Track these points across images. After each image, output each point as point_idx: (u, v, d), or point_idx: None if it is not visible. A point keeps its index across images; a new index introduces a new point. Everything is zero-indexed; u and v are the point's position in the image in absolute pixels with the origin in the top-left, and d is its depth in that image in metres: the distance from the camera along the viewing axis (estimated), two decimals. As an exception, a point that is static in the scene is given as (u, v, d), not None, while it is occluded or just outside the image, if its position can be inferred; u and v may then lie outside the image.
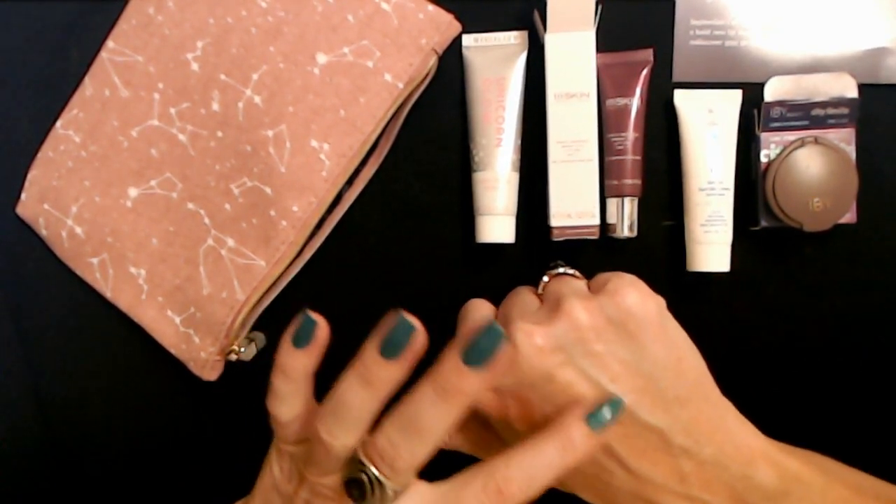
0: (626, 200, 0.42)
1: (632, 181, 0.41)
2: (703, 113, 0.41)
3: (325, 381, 0.41)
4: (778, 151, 0.41)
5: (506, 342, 0.29)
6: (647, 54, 0.42)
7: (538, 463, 0.31)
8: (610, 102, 0.42)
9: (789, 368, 0.44)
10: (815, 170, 0.40)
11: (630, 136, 0.41)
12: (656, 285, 0.44)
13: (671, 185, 0.43)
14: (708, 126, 0.41)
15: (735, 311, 0.44)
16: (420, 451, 0.30)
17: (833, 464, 0.38)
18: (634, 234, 0.42)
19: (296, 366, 0.33)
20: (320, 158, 0.40)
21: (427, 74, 0.41)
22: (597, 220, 0.40)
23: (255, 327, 0.43)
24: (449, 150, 0.44)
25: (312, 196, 0.41)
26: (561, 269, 0.38)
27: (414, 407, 0.30)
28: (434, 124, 0.44)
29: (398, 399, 0.31)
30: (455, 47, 0.42)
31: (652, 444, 0.34)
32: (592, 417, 0.32)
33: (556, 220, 0.41)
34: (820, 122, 0.41)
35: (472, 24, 0.42)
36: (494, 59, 0.42)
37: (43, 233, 0.45)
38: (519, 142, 0.42)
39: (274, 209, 0.41)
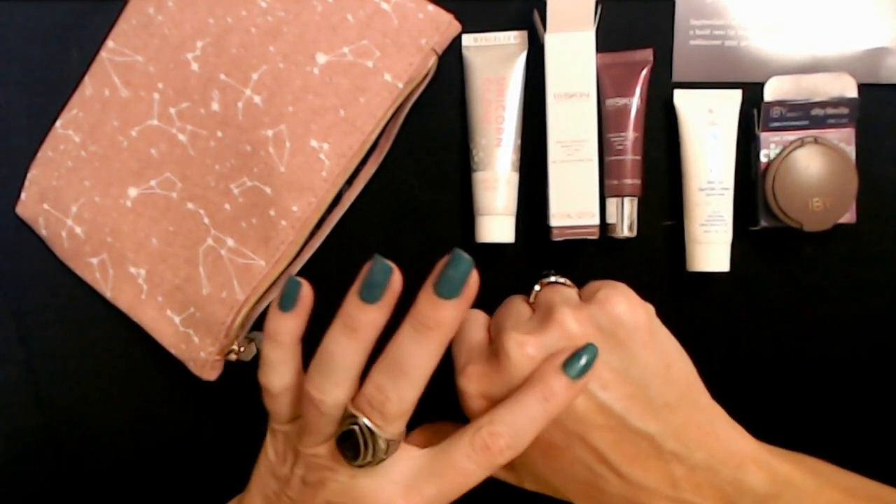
0: (626, 200, 0.42)
1: (631, 181, 0.41)
2: (702, 113, 0.41)
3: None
4: (778, 151, 0.41)
5: (473, 268, 0.31)
6: (647, 54, 0.42)
7: (522, 416, 0.32)
8: (610, 102, 0.42)
9: (789, 368, 0.44)
10: (814, 170, 0.40)
11: (630, 135, 0.41)
12: (656, 285, 0.44)
13: (671, 185, 0.43)
14: (708, 126, 0.41)
15: (735, 311, 0.44)
16: (408, 392, 0.31)
17: (825, 466, 0.38)
18: (634, 234, 0.42)
19: (283, 330, 0.34)
20: (320, 158, 0.40)
21: (427, 74, 0.41)
22: (596, 220, 0.40)
23: (254, 327, 0.43)
24: (449, 150, 0.44)
25: (312, 196, 0.41)
26: (552, 278, 0.39)
27: (396, 348, 0.32)
28: (434, 124, 0.44)
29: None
30: (455, 47, 0.42)
31: (643, 449, 0.34)
32: (569, 366, 0.33)
33: (555, 219, 0.41)
34: (820, 122, 0.41)
35: (472, 23, 0.42)
36: (494, 58, 0.42)
37: (43, 233, 0.45)
38: (519, 142, 0.42)
39: (274, 209, 0.41)
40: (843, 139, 0.41)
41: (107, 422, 0.47)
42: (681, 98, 0.42)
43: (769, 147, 0.41)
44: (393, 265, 0.31)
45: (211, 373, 0.43)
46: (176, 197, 0.43)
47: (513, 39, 0.42)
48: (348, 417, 0.32)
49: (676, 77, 0.43)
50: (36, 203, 0.45)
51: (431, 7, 0.40)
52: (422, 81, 0.41)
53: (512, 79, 0.42)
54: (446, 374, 0.36)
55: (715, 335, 0.44)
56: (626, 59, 0.42)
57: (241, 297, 0.41)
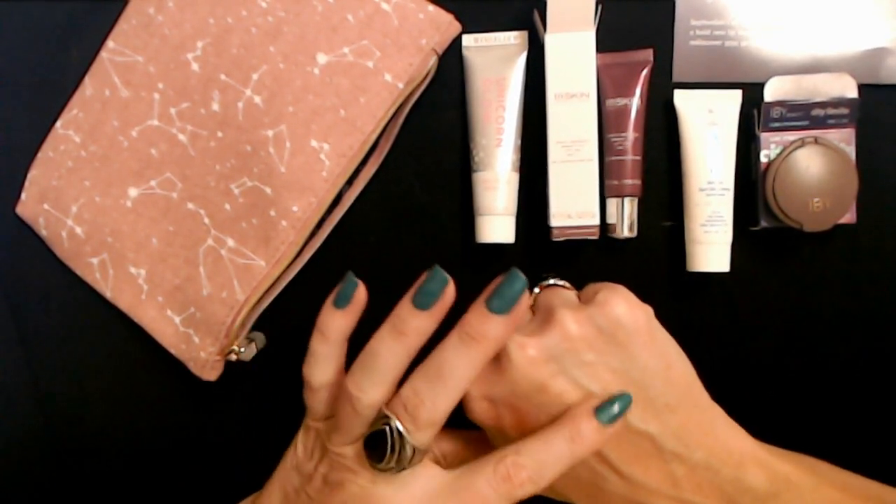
0: (626, 200, 0.42)
1: (632, 181, 0.41)
2: (703, 113, 0.41)
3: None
4: (778, 151, 0.41)
5: (526, 289, 0.32)
6: (647, 54, 0.42)
7: (548, 453, 0.33)
8: (610, 102, 0.42)
9: (789, 368, 0.44)
10: (815, 170, 0.40)
11: (630, 136, 0.41)
12: (656, 285, 0.44)
13: (671, 186, 0.43)
14: (708, 126, 0.41)
15: (735, 311, 0.44)
16: (442, 400, 0.32)
17: (823, 465, 0.38)
18: (634, 234, 0.42)
19: (334, 326, 0.36)
20: (320, 158, 0.40)
21: (427, 74, 0.41)
22: (597, 221, 0.40)
23: (254, 327, 0.43)
24: (449, 150, 0.44)
25: (312, 196, 0.41)
26: (551, 281, 0.39)
27: (439, 355, 0.32)
28: (434, 124, 0.44)
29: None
30: (455, 47, 0.42)
31: (644, 449, 0.34)
32: (601, 411, 0.33)
33: (556, 220, 0.41)
34: (820, 123, 0.41)
35: (472, 24, 0.42)
36: (494, 59, 0.42)
37: (43, 233, 0.45)
38: (519, 142, 0.42)
39: (274, 209, 0.41)
40: (844, 139, 0.41)
41: (107, 422, 0.47)
42: (681, 98, 0.42)
43: (769, 147, 0.41)
44: (449, 278, 0.32)
45: (211, 373, 0.43)
46: (176, 197, 0.43)
47: (513, 40, 0.42)
48: (381, 419, 0.32)
49: (677, 77, 0.43)
50: (36, 203, 0.45)
51: (432, 7, 0.40)
52: (422, 82, 0.41)
53: (512, 79, 0.42)
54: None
55: (715, 335, 0.44)
56: (626, 60, 0.42)
57: (241, 297, 0.41)
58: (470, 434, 0.39)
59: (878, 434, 0.44)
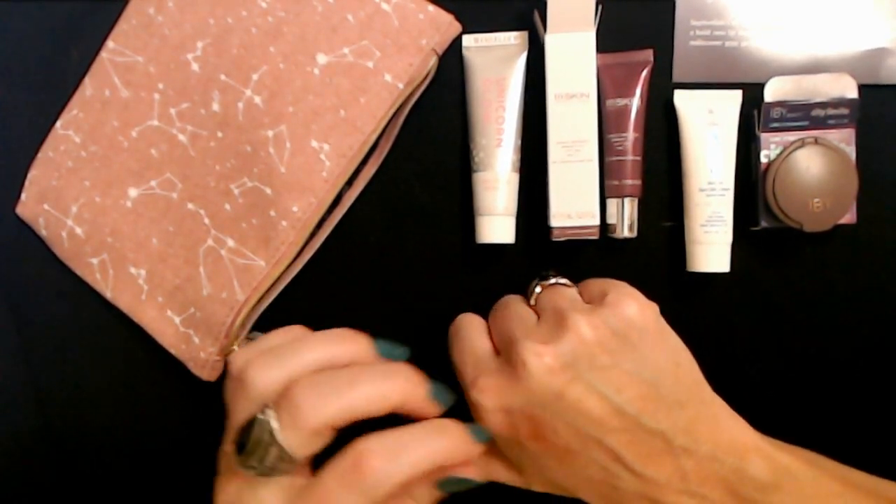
0: (627, 201, 0.42)
1: (632, 181, 0.41)
2: (703, 113, 0.41)
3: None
4: (778, 152, 0.41)
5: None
6: (647, 55, 0.42)
7: (403, 437, 0.31)
8: (610, 103, 0.42)
9: (789, 368, 0.44)
10: (815, 170, 0.40)
11: (630, 136, 0.41)
12: (656, 286, 0.44)
13: (671, 186, 0.43)
14: (708, 126, 0.41)
15: (735, 311, 0.44)
16: (331, 409, 0.30)
17: (824, 459, 0.39)
18: (635, 234, 0.42)
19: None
20: (320, 159, 0.40)
21: (427, 75, 0.41)
22: (597, 221, 0.40)
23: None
24: (449, 151, 0.44)
25: (312, 196, 0.41)
26: (553, 280, 0.39)
27: (358, 370, 0.32)
28: (434, 125, 0.44)
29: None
30: (455, 48, 0.42)
31: (656, 447, 0.34)
32: (476, 432, 0.34)
33: (556, 220, 0.41)
34: (820, 123, 0.41)
35: (473, 24, 0.42)
36: (494, 59, 0.42)
37: (43, 233, 0.45)
38: (519, 142, 0.42)
39: (274, 209, 0.41)
40: (844, 140, 0.41)
41: (107, 422, 0.47)
42: (681, 98, 0.42)
43: (769, 147, 0.41)
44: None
45: (211, 373, 0.43)
46: (176, 197, 0.43)
47: (513, 40, 0.42)
48: (262, 409, 0.30)
49: (677, 77, 0.43)
50: (36, 203, 0.45)
51: (432, 7, 0.40)
52: (422, 82, 0.41)
53: (512, 79, 0.42)
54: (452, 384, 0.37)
55: (715, 335, 0.44)
56: (626, 60, 0.42)
57: (241, 297, 0.41)
58: None
59: (879, 434, 0.44)
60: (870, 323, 0.44)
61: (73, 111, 0.44)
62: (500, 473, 0.38)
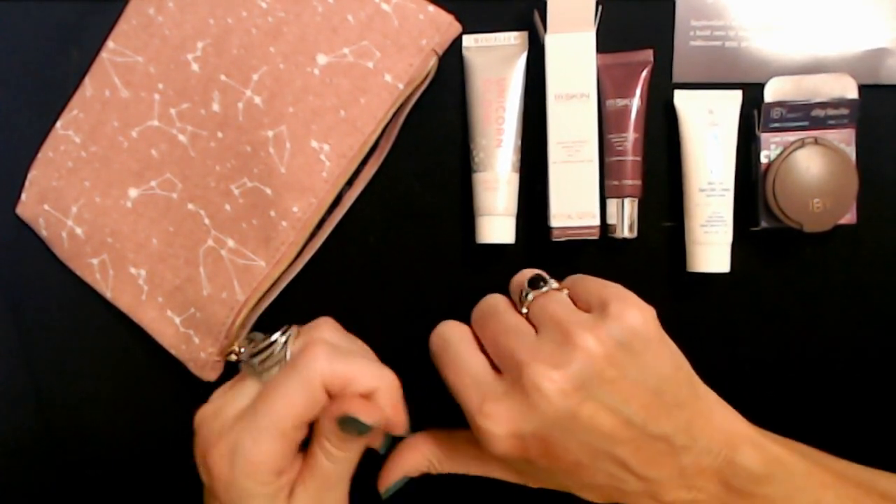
0: (627, 201, 0.42)
1: (632, 182, 0.41)
2: (703, 114, 0.41)
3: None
4: (778, 152, 0.41)
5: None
6: (647, 55, 0.42)
7: (349, 356, 0.37)
8: (610, 103, 0.42)
9: (789, 369, 0.44)
10: (815, 170, 0.40)
11: (630, 136, 0.41)
12: (656, 286, 0.44)
13: (671, 186, 0.43)
14: (708, 127, 0.41)
15: (735, 311, 0.44)
16: (335, 364, 0.36)
17: (816, 452, 0.39)
18: (635, 234, 0.42)
19: None
20: (320, 159, 0.40)
21: (427, 75, 0.41)
22: (597, 221, 0.40)
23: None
24: (449, 151, 0.44)
25: (313, 197, 0.41)
26: (545, 288, 0.37)
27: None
28: (434, 125, 0.44)
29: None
30: (455, 48, 0.42)
31: (660, 450, 0.34)
32: (343, 422, 0.35)
33: (556, 220, 0.41)
34: (820, 123, 0.41)
35: (473, 24, 0.42)
36: (495, 59, 0.42)
37: (43, 233, 0.45)
38: (519, 142, 0.42)
39: (274, 210, 0.41)
40: (844, 140, 0.41)
41: (107, 422, 0.47)
42: (681, 99, 0.42)
43: (769, 148, 0.41)
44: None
45: (211, 373, 0.43)
46: (176, 197, 0.43)
47: (513, 40, 0.42)
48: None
49: (677, 78, 0.43)
50: (36, 204, 0.45)
51: (432, 8, 0.40)
52: (422, 82, 0.41)
53: (512, 79, 0.42)
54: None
55: (715, 336, 0.44)
56: (626, 60, 0.42)
57: (241, 297, 0.41)
58: (460, 435, 0.39)
59: (879, 434, 0.44)
60: (870, 323, 0.44)
61: (73, 111, 0.44)
62: (496, 472, 0.39)
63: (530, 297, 0.37)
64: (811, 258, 0.43)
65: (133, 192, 0.43)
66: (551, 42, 0.40)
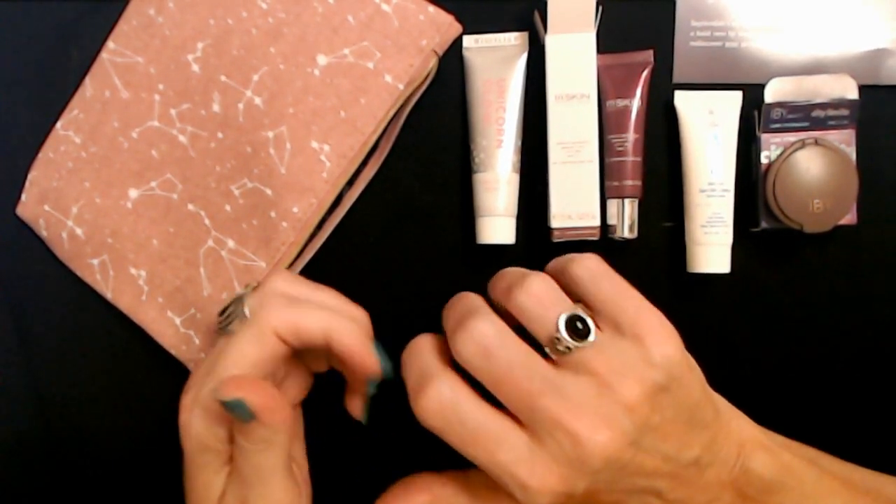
0: (627, 202, 0.42)
1: (632, 182, 0.41)
2: (703, 114, 0.41)
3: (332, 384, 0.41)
4: (778, 153, 0.41)
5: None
6: (648, 55, 0.42)
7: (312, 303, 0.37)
8: (610, 104, 0.42)
9: (789, 369, 0.44)
10: (815, 171, 0.40)
11: (630, 137, 0.41)
12: (656, 286, 0.44)
13: (671, 187, 0.43)
14: (708, 127, 0.41)
15: (735, 312, 0.44)
16: (289, 312, 0.36)
17: (824, 456, 0.39)
18: (635, 235, 0.42)
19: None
20: (321, 159, 0.40)
21: (427, 75, 0.41)
22: (597, 222, 0.40)
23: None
24: (449, 152, 0.44)
25: (313, 197, 0.41)
26: (590, 339, 0.33)
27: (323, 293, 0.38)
28: (434, 125, 0.44)
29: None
30: (455, 48, 0.42)
31: (690, 473, 0.34)
32: (225, 406, 0.33)
33: (556, 221, 0.41)
34: (820, 124, 0.41)
35: (473, 25, 0.42)
36: (495, 60, 0.42)
37: (43, 234, 0.45)
38: (519, 143, 0.42)
39: (274, 210, 0.41)
40: (844, 140, 0.41)
41: (107, 422, 0.47)
42: (681, 99, 0.42)
43: (770, 148, 0.41)
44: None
45: (211, 374, 0.43)
46: (176, 198, 0.43)
47: (513, 41, 0.42)
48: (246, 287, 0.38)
49: (677, 78, 0.43)
50: (36, 204, 0.45)
51: (432, 8, 0.40)
52: (422, 83, 0.41)
53: (513, 80, 0.42)
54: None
55: (715, 336, 0.44)
56: (626, 61, 0.42)
57: (241, 298, 0.41)
58: (476, 479, 0.36)
59: (880, 434, 0.44)
60: (870, 323, 0.44)
61: (73, 112, 0.44)
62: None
63: (569, 347, 0.33)
64: (811, 259, 0.43)
65: (133, 193, 0.43)
66: (551, 42, 0.40)
